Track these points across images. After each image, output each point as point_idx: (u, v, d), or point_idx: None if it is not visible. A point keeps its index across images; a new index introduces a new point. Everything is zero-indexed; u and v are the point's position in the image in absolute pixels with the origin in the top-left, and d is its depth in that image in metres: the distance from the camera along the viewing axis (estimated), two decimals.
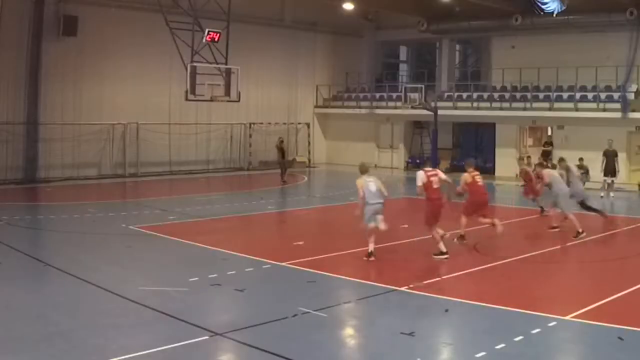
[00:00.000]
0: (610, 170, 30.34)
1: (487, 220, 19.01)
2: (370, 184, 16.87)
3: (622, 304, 13.25)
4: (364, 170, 17.25)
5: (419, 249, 18.75)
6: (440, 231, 17.58)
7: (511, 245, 19.49)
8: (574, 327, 11.85)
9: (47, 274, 15.47)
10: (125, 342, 10.81)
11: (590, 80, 35.13)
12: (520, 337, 11.07)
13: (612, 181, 30.21)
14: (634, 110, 33.14)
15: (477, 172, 18.91)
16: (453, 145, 41.58)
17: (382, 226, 16.81)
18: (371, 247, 16.83)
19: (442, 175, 17.62)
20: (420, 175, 17.26)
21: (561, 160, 22.21)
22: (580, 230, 19.68)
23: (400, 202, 27.17)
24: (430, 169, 17.60)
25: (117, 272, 15.71)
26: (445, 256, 16.96)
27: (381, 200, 16.83)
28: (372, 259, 16.68)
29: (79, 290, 13.87)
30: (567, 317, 12.07)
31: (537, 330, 11.43)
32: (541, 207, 23.88)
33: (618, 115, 33.32)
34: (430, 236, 17.40)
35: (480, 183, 18.80)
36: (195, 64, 27.42)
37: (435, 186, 17.30)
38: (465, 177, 18.80)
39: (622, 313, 12.57)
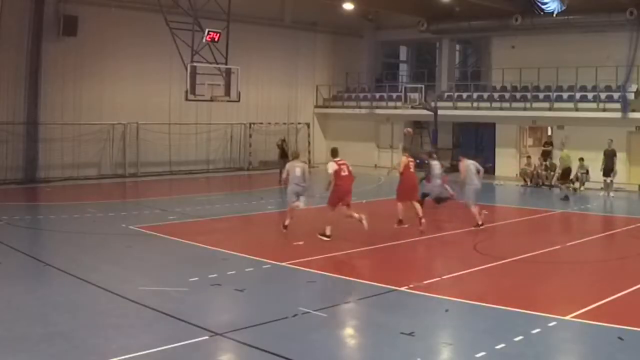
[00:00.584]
0: (607, 169, 30.46)
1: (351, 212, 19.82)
2: (296, 169, 19.91)
3: (622, 304, 13.25)
4: (295, 155, 21.19)
5: (418, 249, 18.79)
6: (356, 215, 19.40)
7: (511, 245, 19.56)
8: (574, 327, 11.84)
9: (47, 274, 15.45)
10: (125, 342, 10.79)
11: (590, 80, 35.10)
12: (521, 337, 11.07)
13: (611, 181, 30.26)
14: (634, 110, 33.11)
15: (344, 162, 19.98)
16: (453, 145, 41.56)
17: (302, 205, 20.12)
18: (287, 221, 20.03)
19: (350, 167, 19.88)
20: (332, 165, 19.65)
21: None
22: (480, 223, 21.27)
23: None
24: (340, 159, 19.82)
25: (117, 272, 15.69)
26: (327, 239, 18.90)
27: (303, 184, 19.88)
28: (284, 231, 19.86)
29: (79, 290, 13.84)
30: (567, 317, 12.06)
31: (537, 330, 11.43)
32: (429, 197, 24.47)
33: (618, 115, 33.28)
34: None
35: (344, 173, 19.77)
36: (195, 64, 27.39)
37: (343, 174, 19.49)
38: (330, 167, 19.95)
39: (622, 313, 12.56)
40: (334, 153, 20.24)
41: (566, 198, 28.61)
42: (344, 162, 19.80)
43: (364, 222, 19.18)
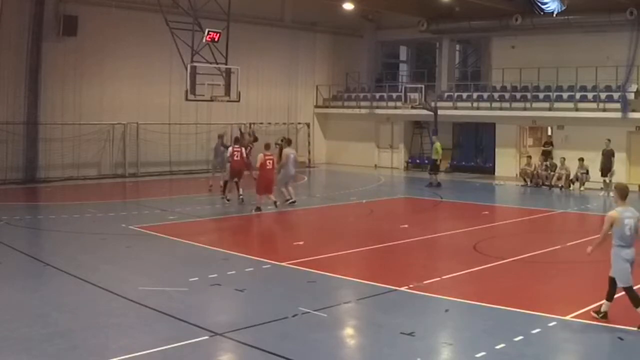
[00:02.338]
0: (604, 169, 30.52)
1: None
2: (291, 155, 25.26)
3: (622, 304, 13.00)
4: (288, 143, 27.98)
5: (418, 249, 18.77)
6: (273, 198, 24.32)
7: (511, 245, 19.54)
8: (574, 327, 11.82)
9: (47, 274, 15.41)
10: (126, 342, 10.78)
11: (590, 80, 35.09)
12: (521, 337, 11.06)
13: (610, 180, 30.29)
14: (634, 110, 33.09)
15: (271, 156, 24.62)
16: (453, 145, 41.56)
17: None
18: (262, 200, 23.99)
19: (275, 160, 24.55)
20: (260, 156, 24.20)
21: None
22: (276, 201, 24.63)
23: (400, 202, 27.17)
24: (269, 153, 24.40)
25: (117, 272, 15.67)
26: (258, 212, 23.56)
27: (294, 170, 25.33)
28: (257, 212, 23.57)
29: (79, 291, 13.84)
30: (567, 317, 12.06)
31: (537, 330, 11.42)
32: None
33: (618, 115, 33.25)
34: None
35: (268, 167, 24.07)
36: (195, 64, 27.35)
37: (269, 167, 23.87)
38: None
39: (622, 313, 12.40)
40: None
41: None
42: (271, 156, 24.29)
43: (277, 204, 24.13)
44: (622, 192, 12.15)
